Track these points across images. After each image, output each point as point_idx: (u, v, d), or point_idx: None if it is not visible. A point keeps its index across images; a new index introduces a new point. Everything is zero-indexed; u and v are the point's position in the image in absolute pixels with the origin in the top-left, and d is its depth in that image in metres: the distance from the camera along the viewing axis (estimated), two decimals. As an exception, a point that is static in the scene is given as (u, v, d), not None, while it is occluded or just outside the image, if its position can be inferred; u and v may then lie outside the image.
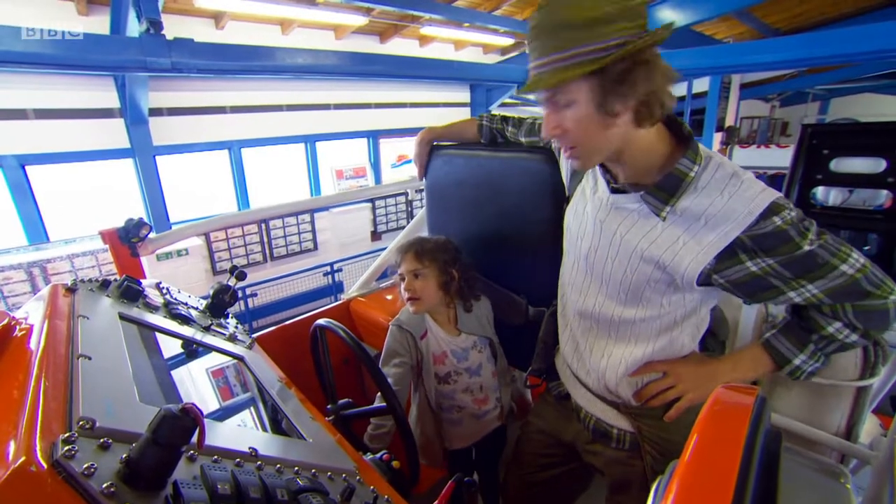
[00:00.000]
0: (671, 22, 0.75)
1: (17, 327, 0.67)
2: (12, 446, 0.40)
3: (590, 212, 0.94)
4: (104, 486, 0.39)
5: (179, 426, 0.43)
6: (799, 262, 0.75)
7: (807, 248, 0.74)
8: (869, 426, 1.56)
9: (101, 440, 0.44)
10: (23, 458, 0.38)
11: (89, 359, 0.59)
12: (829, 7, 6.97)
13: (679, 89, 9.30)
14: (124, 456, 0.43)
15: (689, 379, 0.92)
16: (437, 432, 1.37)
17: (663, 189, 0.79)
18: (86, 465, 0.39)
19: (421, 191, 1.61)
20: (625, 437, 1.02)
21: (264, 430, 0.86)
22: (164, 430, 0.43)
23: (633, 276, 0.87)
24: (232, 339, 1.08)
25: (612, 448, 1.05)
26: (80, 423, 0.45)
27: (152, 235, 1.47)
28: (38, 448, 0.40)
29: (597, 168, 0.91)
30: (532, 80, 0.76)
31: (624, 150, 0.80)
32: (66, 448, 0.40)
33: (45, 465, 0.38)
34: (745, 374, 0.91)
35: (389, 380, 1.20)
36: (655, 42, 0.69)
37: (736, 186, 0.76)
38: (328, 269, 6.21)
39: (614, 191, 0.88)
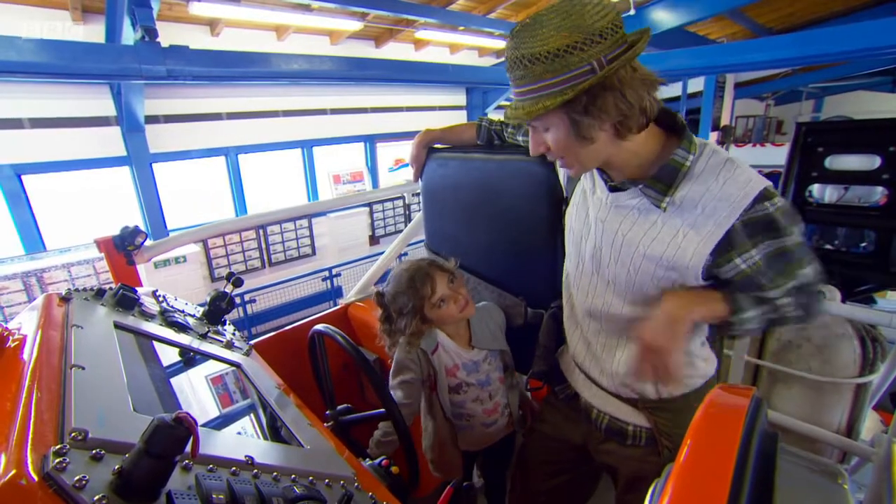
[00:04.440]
0: (646, 28, 0.75)
1: (10, 338, 0.66)
2: (3, 459, 0.40)
3: (591, 212, 0.95)
4: (96, 498, 0.38)
5: (173, 436, 0.43)
6: (780, 257, 0.77)
7: (789, 242, 0.77)
8: (870, 423, 1.56)
9: (94, 451, 0.43)
10: (13, 471, 0.38)
11: (83, 369, 0.58)
12: (821, 6, 7.02)
13: (674, 89, 9.40)
14: (117, 467, 0.42)
15: (660, 326, 0.84)
16: (454, 443, 1.36)
17: (660, 180, 0.81)
18: (77, 478, 0.39)
19: (418, 194, 1.60)
20: (641, 433, 1.02)
21: (263, 436, 0.85)
22: (157, 439, 0.42)
23: (637, 276, 0.87)
24: (229, 346, 1.07)
25: (627, 446, 1.04)
26: (73, 434, 0.44)
27: (148, 243, 1.46)
28: (28, 460, 0.39)
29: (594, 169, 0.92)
30: (511, 108, 0.79)
31: (612, 158, 0.82)
32: (58, 460, 0.40)
33: (35, 478, 0.38)
34: (706, 309, 0.84)
35: (399, 392, 1.18)
36: (624, 64, 0.70)
37: (731, 171, 0.77)
38: (327, 273, 6.19)
39: (612, 189, 0.89)
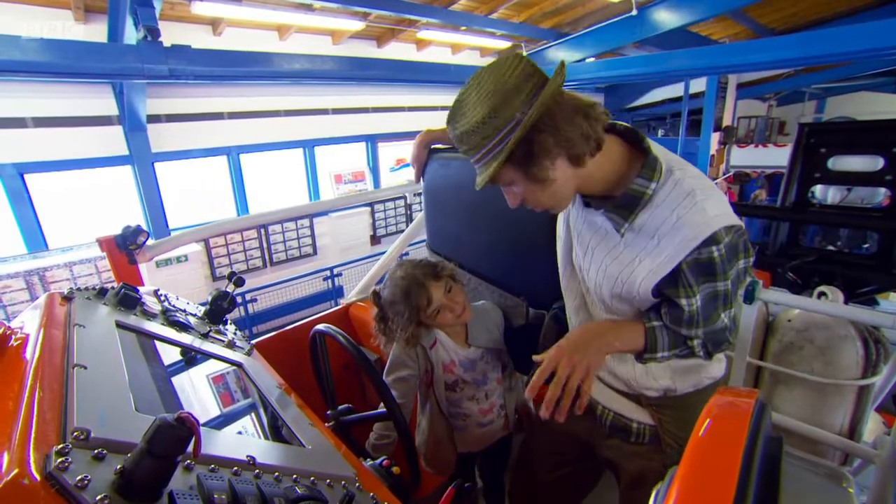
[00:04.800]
0: (561, 63, 0.77)
1: (13, 337, 0.66)
2: (5, 458, 0.40)
3: (571, 223, 1.00)
4: (98, 497, 0.38)
5: (175, 436, 0.43)
6: (712, 301, 0.82)
7: (721, 287, 0.81)
8: (872, 425, 1.55)
9: (96, 451, 0.43)
10: (15, 471, 0.38)
11: (85, 368, 0.58)
12: (824, 6, 7.00)
13: (676, 90, 9.36)
14: (119, 467, 0.42)
15: (572, 347, 0.83)
16: (450, 440, 1.36)
17: (622, 207, 0.83)
18: (79, 478, 0.39)
19: (420, 194, 1.60)
20: (644, 430, 1.03)
21: (265, 436, 0.85)
22: (159, 439, 0.42)
23: (601, 289, 0.92)
24: (230, 345, 1.07)
25: (631, 443, 1.05)
26: (75, 433, 0.44)
27: (150, 242, 1.46)
28: (31, 460, 0.39)
29: None
30: (477, 176, 0.83)
31: (580, 185, 0.84)
32: (60, 460, 0.40)
33: (38, 478, 0.38)
34: (623, 347, 0.87)
35: (394, 392, 1.19)
36: (547, 102, 0.71)
37: (687, 208, 0.78)
38: (328, 273, 6.20)
39: (586, 205, 0.92)
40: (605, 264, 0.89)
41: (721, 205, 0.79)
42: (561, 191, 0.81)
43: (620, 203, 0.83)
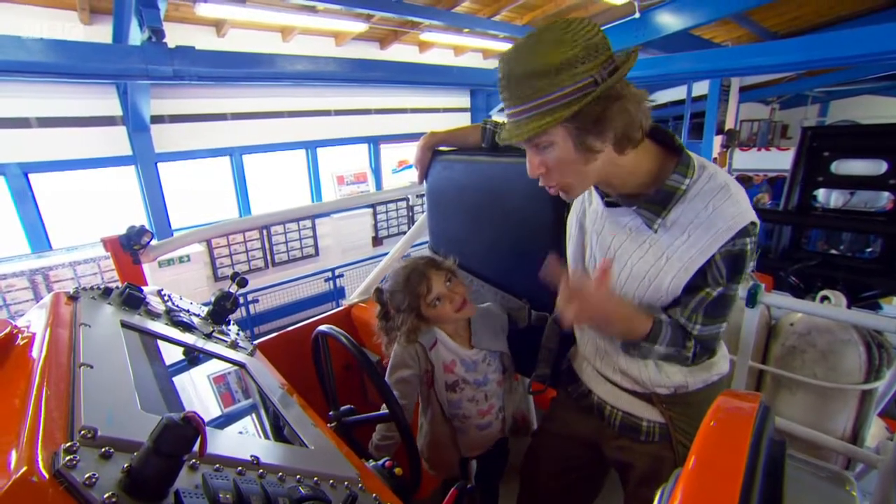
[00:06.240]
0: (635, 47, 0.77)
1: (19, 336, 0.67)
2: (14, 456, 0.40)
3: (587, 223, 0.98)
4: (106, 495, 0.39)
5: (181, 435, 0.43)
6: (720, 300, 0.84)
7: (732, 290, 0.83)
8: (875, 430, 1.55)
9: (103, 449, 0.44)
10: (24, 468, 0.38)
11: (91, 367, 0.58)
12: (827, 10, 7.00)
13: (679, 93, 9.34)
14: (126, 465, 0.43)
15: (591, 306, 0.83)
16: (453, 442, 1.35)
17: (656, 202, 0.83)
18: (87, 475, 0.39)
19: (422, 196, 1.61)
20: (654, 429, 1.03)
21: (266, 437, 0.85)
22: (165, 438, 0.43)
23: (623, 289, 0.91)
24: (233, 345, 1.08)
25: (641, 442, 1.05)
26: (82, 432, 0.44)
27: (154, 242, 1.47)
28: (39, 458, 0.40)
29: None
30: (509, 129, 0.77)
31: (610, 176, 0.83)
32: (68, 458, 0.40)
33: (46, 475, 0.38)
34: (630, 330, 0.88)
35: (396, 392, 1.19)
36: (624, 73, 0.71)
37: (722, 199, 0.79)
38: (329, 274, 6.20)
39: (608, 204, 0.91)
40: (630, 264, 0.89)
41: (747, 200, 0.81)
42: (594, 171, 0.79)
43: (654, 199, 0.82)
